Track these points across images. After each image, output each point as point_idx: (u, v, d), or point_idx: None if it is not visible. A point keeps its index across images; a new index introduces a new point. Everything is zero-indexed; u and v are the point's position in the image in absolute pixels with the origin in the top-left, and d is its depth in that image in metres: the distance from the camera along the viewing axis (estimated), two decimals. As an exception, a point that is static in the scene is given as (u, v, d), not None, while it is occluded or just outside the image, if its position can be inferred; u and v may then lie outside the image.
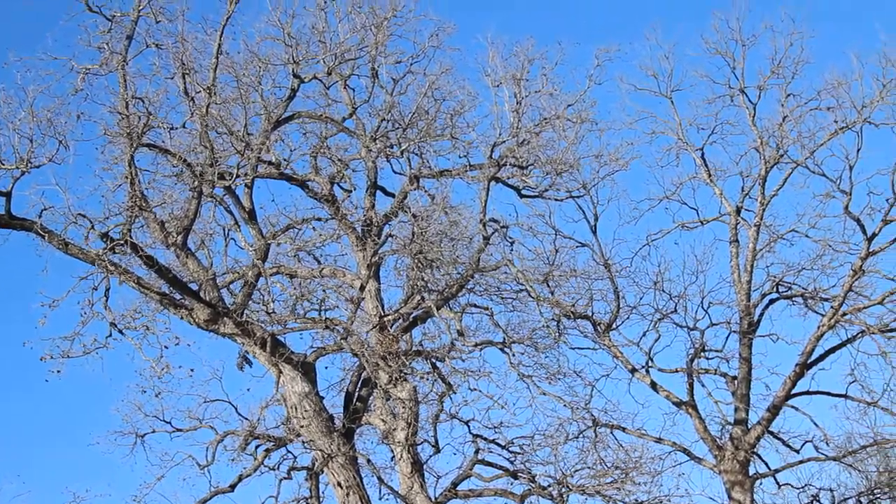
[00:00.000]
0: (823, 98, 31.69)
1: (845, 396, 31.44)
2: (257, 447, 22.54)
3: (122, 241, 19.81)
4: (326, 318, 23.26)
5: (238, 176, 22.24)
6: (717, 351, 32.36)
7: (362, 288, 23.70)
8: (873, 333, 30.22)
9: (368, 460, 23.38)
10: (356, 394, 23.61)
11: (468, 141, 26.25)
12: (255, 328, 21.74)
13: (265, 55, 24.14)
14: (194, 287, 21.70)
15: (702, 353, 32.04)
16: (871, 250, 30.34)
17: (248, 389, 25.89)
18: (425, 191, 25.63)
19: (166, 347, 21.07)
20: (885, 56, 30.72)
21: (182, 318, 21.58)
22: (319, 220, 26.01)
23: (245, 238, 23.75)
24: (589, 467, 26.22)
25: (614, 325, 31.02)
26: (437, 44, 26.14)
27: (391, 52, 26.03)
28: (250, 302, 22.88)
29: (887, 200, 30.19)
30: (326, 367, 34.14)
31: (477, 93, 26.93)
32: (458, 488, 24.72)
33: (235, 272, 24.64)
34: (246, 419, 22.57)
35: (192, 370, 22.15)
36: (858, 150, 30.57)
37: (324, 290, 24.97)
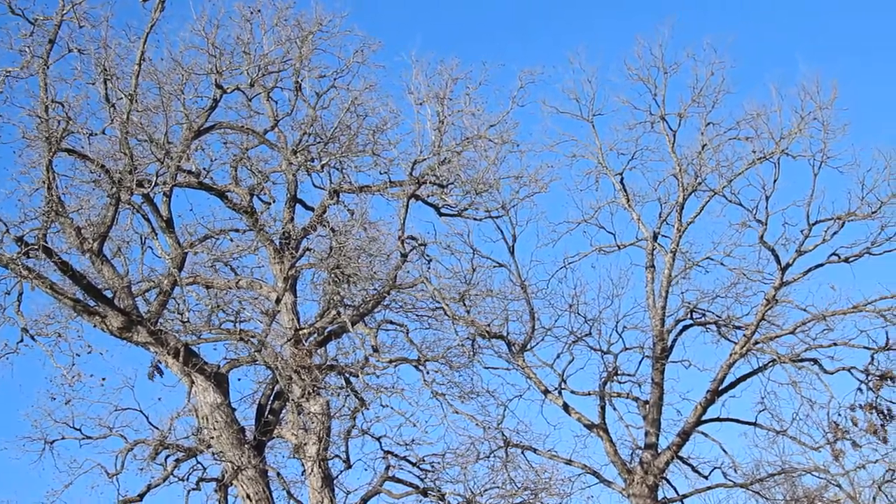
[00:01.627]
0: (742, 128, 33.63)
1: (755, 424, 33.00)
2: (167, 457, 23.35)
3: (36, 246, 20.39)
4: (241, 330, 24.13)
5: (157, 184, 23.00)
6: (629, 375, 33.75)
7: (278, 301, 24.65)
8: (784, 363, 31.94)
9: (278, 474, 24.37)
10: (268, 406, 24.51)
11: (389, 158, 27.46)
12: (169, 337, 22.57)
13: (188, 64, 25.11)
14: (109, 294, 22.47)
15: (615, 377, 33.41)
16: (784, 280, 32.30)
17: (160, 399, 26.60)
18: (345, 206, 26.75)
19: (78, 355, 21.69)
20: (804, 88, 32.85)
21: (95, 325, 22.29)
22: (237, 231, 27.06)
23: (162, 246, 24.51)
24: (498, 487, 27.45)
25: (529, 346, 32.32)
26: (362, 60, 27.22)
27: (315, 66, 27.19)
28: (165, 311, 23.74)
29: (802, 231, 32.27)
30: (239, 379, 35.20)
31: (400, 110, 27.99)
32: (367, 504, 25.56)
33: (151, 281, 25.44)
34: (157, 429, 23.35)
35: (104, 378, 22.82)
36: (775, 181, 32.49)
37: (240, 302, 25.85)
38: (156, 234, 24.75)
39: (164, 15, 23.01)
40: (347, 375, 25.33)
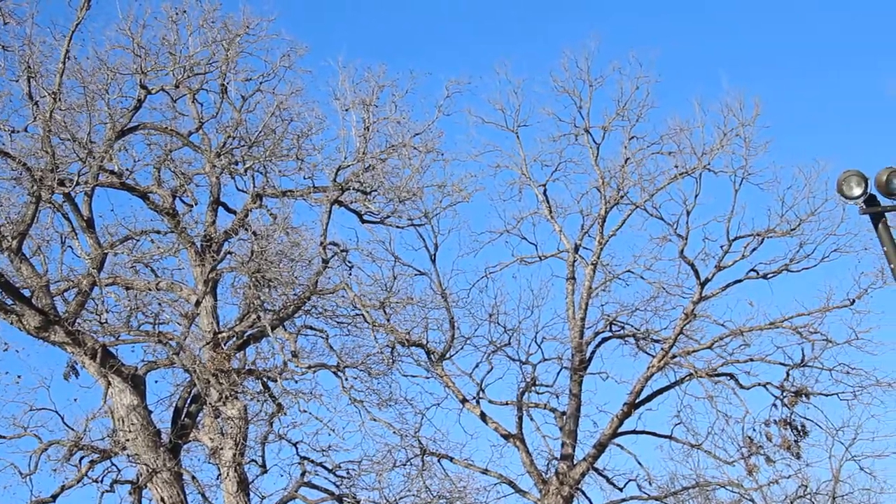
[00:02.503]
0: (666, 142, 34.66)
1: (670, 437, 33.95)
2: (82, 458, 23.85)
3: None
4: (160, 332, 24.76)
5: (78, 183, 23.57)
6: (547, 386, 34.45)
7: (198, 303, 25.34)
8: (701, 377, 32.89)
9: (193, 477, 24.97)
10: (185, 410, 25.24)
11: (313, 163, 28.09)
12: (87, 338, 23.18)
13: (113, 63, 25.65)
14: (27, 293, 22.88)
15: (532, 388, 34.08)
16: (703, 295, 33.24)
17: (76, 400, 26.94)
18: (267, 210, 27.44)
19: (-7, 353, 22.09)
20: (727, 105, 33.84)
21: (12, 323, 22.81)
22: (159, 232, 27.59)
23: (82, 246, 25.10)
24: (414, 495, 28.40)
25: (448, 355, 32.92)
26: (289, 64, 28.10)
27: (242, 68, 27.90)
28: (83, 311, 24.22)
29: (721, 247, 33.22)
30: (157, 382, 35.56)
31: (325, 116, 28.78)
32: (282, 509, 26.26)
33: (70, 280, 25.83)
34: (72, 429, 23.84)
35: (19, 377, 23.34)
36: (696, 196, 33.44)
37: (159, 304, 26.32)
38: (76, 234, 25.19)
39: (89, 13, 23.63)
40: (266, 380, 25.91)
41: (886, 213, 17.38)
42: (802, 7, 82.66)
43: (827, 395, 33.47)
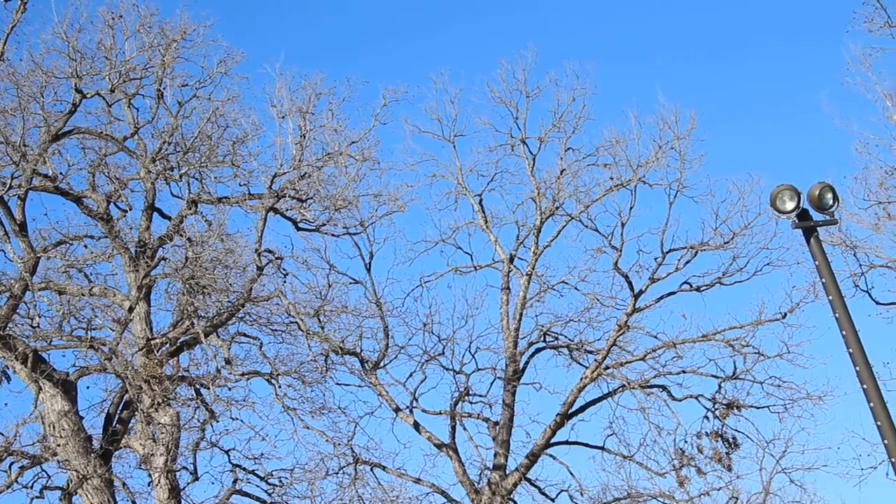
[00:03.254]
0: (601, 154, 35.58)
1: (602, 448, 34.73)
2: (11, 464, 24.12)
3: None
4: (92, 338, 25.15)
5: (11, 187, 23.94)
6: (481, 396, 35.13)
7: (131, 309, 25.71)
8: (633, 388, 33.77)
9: (124, 484, 25.28)
10: (117, 416, 25.57)
11: (249, 170, 28.69)
12: (18, 342, 23.53)
13: (49, 67, 26.01)
14: (-43, 297, 23.04)
15: (466, 397, 34.76)
16: (636, 307, 34.20)
17: (6, 404, 27.08)
18: (203, 216, 27.86)
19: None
20: (663, 118, 34.91)
21: (-57, 327, 22.86)
22: (92, 237, 27.92)
23: (14, 250, 25.10)
24: (346, 504, 28.60)
25: (382, 364, 33.58)
26: (226, 70, 28.68)
27: (178, 74, 28.43)
28: (15, 316, 24.42)
29: (655, 259, 34.24)
30: (88, 387, 35.82)
31: (261, 123, 29.35)
32: (213, 517, 26.75)
33: (2, 284, 25.96)
34: (1, 434, 24.11)
35: (-52, 381, 23.36)
36: (631, 208, 34.40)
37: (92, 309, 26.74)
38: (8, 238, 25.17)
39: (25, 16, 24.12)
40: (198, 387, 26.41)
41: (819, 228, 17.91)
42: (738, 22, 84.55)
43: (758, 408, 34.35)
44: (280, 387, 28.05)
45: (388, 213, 32.41)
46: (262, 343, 28.58)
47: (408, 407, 34.08)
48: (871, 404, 16.63)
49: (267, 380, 27.85)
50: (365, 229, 33.19)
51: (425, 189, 37.78)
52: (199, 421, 26.85)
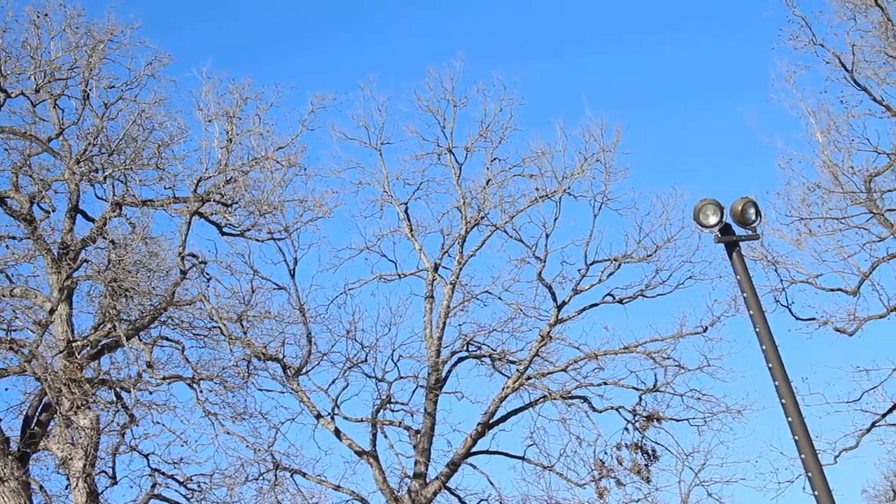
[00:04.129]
0: (527, 165, 36.50)
1: (523, 458, 35.33)
2: (-74, 463, 24.25)
3: None
4: (12, 339, 25.43)
5: (-68, 185, 24.08)
6: (403, 404, 35.61)
7: (52, 311, 26.13)
8: (555, 399, 34.48)
9: (41, 487, 25.72)
10: (35, 418, 25.90)
11: (174, 173, 29.22)
12: (-64, 343, 23.60)
13: (-28, 66, 26.15)
14: None
15: (388, 405, 35.19)
16: (559, 318, 34.99)
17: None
18: (127, 219, 28.40)
19: None
20: (589, 130, 35.92)
21: None
22: (15, 238, 28.22)
23: (-67, 250, 25.39)
24: (264, 509, 29.10)
25: (304, 370, 33.94)
26: (152, 73, 29.28)
27: (105, 75, 28.93)
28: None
29: (579, 271, 35.12)
30: (7, 389, 35.84)
31: (187, 126, 29.95)
32: (131, 521, 27.22)
33: (-79, 283, 26.19)
34: (-83, 436, 24.25)
35: None
36: (556, 220, 35.19)
37: (13, 310, 26.93)
38: (-73, 238, 25.66)
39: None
40: (119, 390, 26.85)
41: (741, 243, 18.51)
42: (664, 37, 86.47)
43: (678, 421, 35.15)
44: (201, 391, 28.50)
45: (313, 219, 32.99)
46: (184, 347, 29.04)
47: (329, 414, 34.44)
48: (790, 419, 17.04)
49: (188, 384, 28.24)
50: (290, 235, 33.50)
51: (351, 196, 38.37)
52: (118, 425, 27.37)
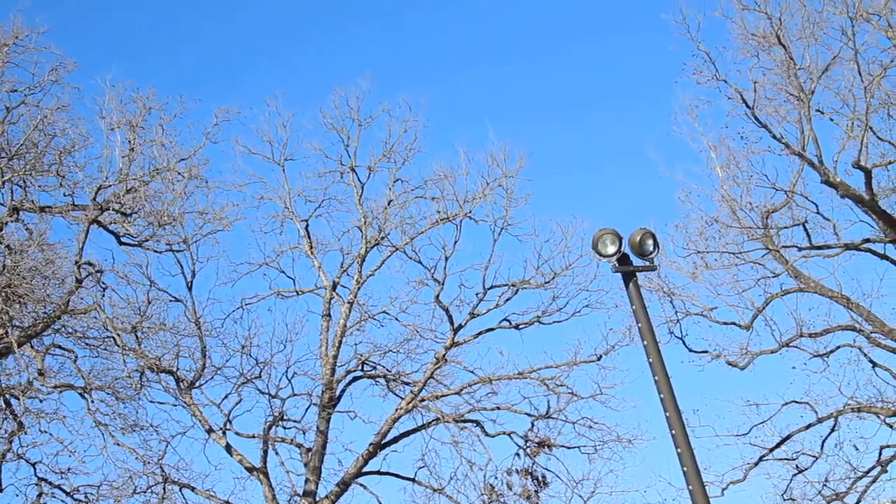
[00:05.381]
0: (430, 187, 37.40)
1: (413, 480, 35.95)
2: None
3: None
4: None
5: None
6: (295, 421, 36.05)
7: (-56, 315, 26.30)
8: (447, 422, 35.19)
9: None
10: (-78, 422, 26.13)
11: (74, 181, 29.86)
12: None
13: None
14: None
15: (280, 422, 35.63)
16: (455, 341, 35.93)
17: None
18: (24, 224, 28.84)
19: None
20: (493, 155, 36.94)
21: None
22: None
23: None
24: (152, 523, 29.63)
25: (197, 384, 34.32)
26: (56, 79, 29.76)
27: (7, 79, 29.40)
28: None
29: (477, 295, 36.12)
30: None
31: (89, 134, 30.45)
32: (14, 529, 27.68)
33: None
34: None
35: None
36: (456, 243, 36.23)
37: None
38: None
39: None
40: (8, 397, 27.26)
41: (638, 273, 19.08)
42: (569, 65, 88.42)
43: (569, 448, 35.98)
44: (93, 401, 28.99)
45: (212, 232, 33.73)
46: (76, 356, 29.62)
47: (221, 428, 34.72)
48: (679, 450, 17.44)
49: (80, 394, 28.69)
50: (188, 247, 33.91)
51: (252, 211, 38.88)
52: (6, 432, 27.60)
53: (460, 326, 35.85)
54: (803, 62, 32.29)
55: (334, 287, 37.32)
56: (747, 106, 32.25)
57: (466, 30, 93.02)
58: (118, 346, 29.56)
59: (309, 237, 37.79)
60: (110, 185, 29.33)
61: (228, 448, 34.64)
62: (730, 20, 33.64)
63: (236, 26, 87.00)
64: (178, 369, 33.73)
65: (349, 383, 36.49)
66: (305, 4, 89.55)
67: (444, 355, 35.67)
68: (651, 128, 71.00)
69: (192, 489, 33.12)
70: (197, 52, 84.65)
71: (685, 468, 17.32)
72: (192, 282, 34.81)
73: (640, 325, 18.62)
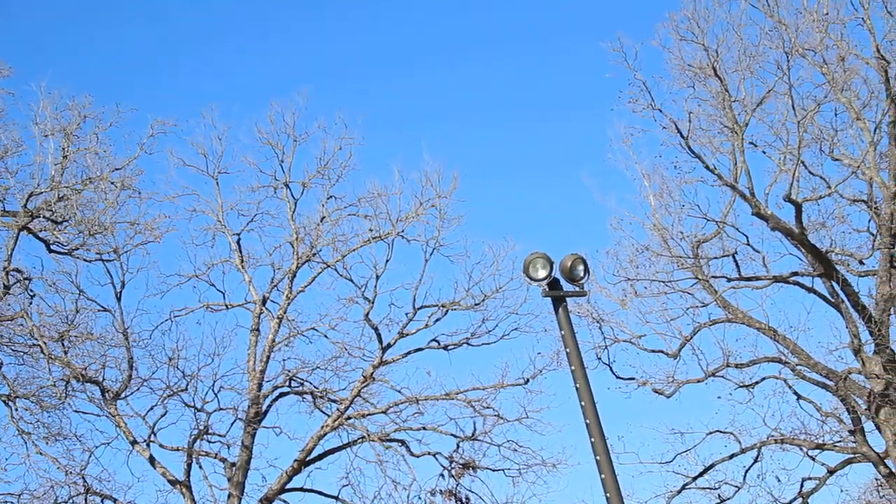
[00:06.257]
0: (363, 205, 38.02)
1: (337, 498, 36.50)
2: None
3: None
4: None
5: None
6: (220, 435, 36.45)
7: None
8: (373, 441, 35.77)
9: None
10: None
11: (5, 186, 30.27)
12: None
13: None
14: None
15: (205, 436, 36.00)
16: (383, 360, 36.56)
17: None
18: (-48, 230, 28.84)
19: None
20: (427, 175, 37.68)
21: None
22: None
23: None
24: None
25: (123, 395, 34.58)
26: (-12, 85, 29.71)
27: (-60, 84, 29.31)
28: None
29: (406, 314, 36.84)
30: None
31: (23, 140, 30.82)
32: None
33: None
34: None
35: None
36: (387, 262, 36.83)
37: None
38: None
39: None
40: (-69, 403, 27.47)
41: (567, 298, 19.42)
42: (507, 87, 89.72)
43: (494, 471, 36.53)
44: (16, 409, 29.33)
45: (143, 243, 34.07)
46: (1, 363, 29.86)
47: (145, 440, 34.94)
48: (603, 476, 17.75)
49: (3, 401, 29.05)
50: (119, 257, 34.13)
51: (184, 223, 38.86)
52: (-73, 439, 27.86)
53: (389, 345, 36.42)
54: (738, 94, 33.48)
55: (264, 302, 37.68)
56: (682, 136, 33.17)
57: (405, 42, 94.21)
58: (44, 354, 29.97)
59: (240, 251, 38.20)
60: (42, 193, 29.65)
61: (152, 460, 34.89)
62: (667, 50, 34.94)
63: (177, 37, 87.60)
64: (104, 379, 33.97)
65: (276, 399, 36.84)
66: (248, 17, 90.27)
67: (371, 374, 36.17)
68: (588, 154, 72.22)
69: (114, 500, 33.40)
70: (135, 60, 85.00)
71: (608, 494, 17.64)
72: (121, 292, 35.09)
73: (568, 350, 18.90)
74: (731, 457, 36.05)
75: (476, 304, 36.94)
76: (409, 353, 37.19)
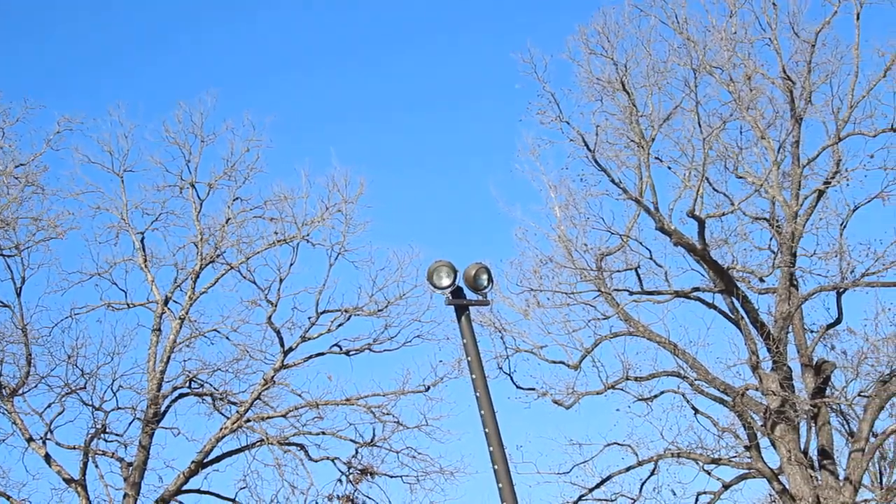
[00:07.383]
0: (269, 208, 38.72)
1: (233, 501, 37.32)
2: None
3: None
4: None
5: None
6: (118, 435, 37.05)
7: None
8: (272, 444, 36.54)
9: None
10: None
11: None
12: None
13: None
14: None
15: (102, 435, 36.56)
16: (285, 363, 37.37)
17: None
18: None
19: None
20: (334, 180, 38.51)
21: None
22: None
23: None
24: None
25: (20, 392, 35.11)
26: None
27: None
28: None
29: (309, 318, 37.65)
30: None
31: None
32: None
33: None
34: None
35: None
36: (291, 265, 37.68)
37: None
38: None
39: None
40: None
41: (470, 307, 19.54)
42: (416, 93, 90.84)
43: (392, 477, 37.49)
44: (-89, 404, 29.58)
45: (45, 239, 34.64)
46: None
47: (41, 438, 35.36)
48: (500, 485, 18.15)
49: None
50: (20, 253, 34.68)
51: (87, 220, 39.20)
52: None
53: (291, 349, 37.16)
54: (646, 110, 34.36)
55: (166, 302, 38.21)
56: (588, 149, 34.08)
57: (317, 42, 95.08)
58: (-60, 349, 30.17)
59: (144, 250, 38.65)
60: (-59, 187, 30.10)
61: (48, 458, 35.30)
62: (577, 63, 35.69)
63: (91, 36, 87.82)
64: (1, 375, 34.50)
65: (175, 399, 37.33)
66: (157, 18, 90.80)
67: (272, 377, 36.87)
68: (496, 163, 73.36)
69: (8, 498, 33.78)
70: (46, 59, 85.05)
71: (505, 503, 18.10)
72: (21, 288, 35.62)
73: (469, 358, 19.20)
74: (628, 469, 37.02)
75: (379, 311, 37.75)
76: (310, 357, 37.97)
